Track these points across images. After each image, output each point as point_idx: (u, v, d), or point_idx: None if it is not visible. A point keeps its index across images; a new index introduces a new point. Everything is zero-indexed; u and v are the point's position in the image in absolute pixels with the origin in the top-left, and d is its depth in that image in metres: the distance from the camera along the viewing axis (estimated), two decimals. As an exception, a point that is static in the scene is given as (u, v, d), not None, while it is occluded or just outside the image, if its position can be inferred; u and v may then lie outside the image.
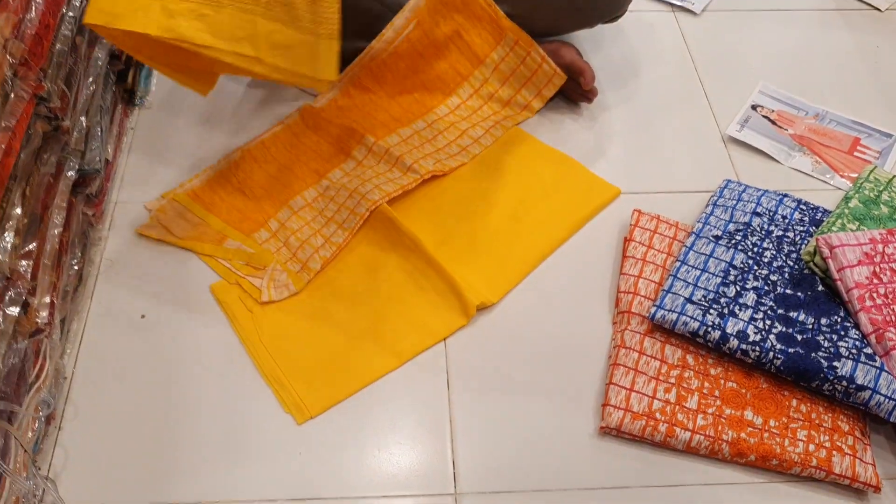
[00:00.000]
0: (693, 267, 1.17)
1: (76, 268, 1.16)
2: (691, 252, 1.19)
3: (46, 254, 1.05)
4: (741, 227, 1.22)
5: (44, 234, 1.06)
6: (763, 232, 1.21)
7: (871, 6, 1.70)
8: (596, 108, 1.47)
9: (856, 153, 1.40)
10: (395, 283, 1.21)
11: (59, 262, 1.09)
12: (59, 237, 1.08)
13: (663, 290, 1.14)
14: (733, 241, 1.20)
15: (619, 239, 1.28)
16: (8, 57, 0.98)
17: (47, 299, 1.03)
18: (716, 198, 1.29)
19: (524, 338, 1.17)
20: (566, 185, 1.35)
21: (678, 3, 1.69)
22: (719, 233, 1.21)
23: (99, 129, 1.27)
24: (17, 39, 1.00)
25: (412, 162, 1.33)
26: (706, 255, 1.18)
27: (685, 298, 1.12)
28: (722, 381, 1.08)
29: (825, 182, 1.36)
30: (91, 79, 1.24)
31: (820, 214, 1.25)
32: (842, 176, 1.36)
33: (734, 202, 1.27)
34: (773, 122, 1.44)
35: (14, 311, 0.94)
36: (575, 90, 1.45)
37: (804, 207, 1.26)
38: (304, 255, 1.22)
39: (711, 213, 1.25)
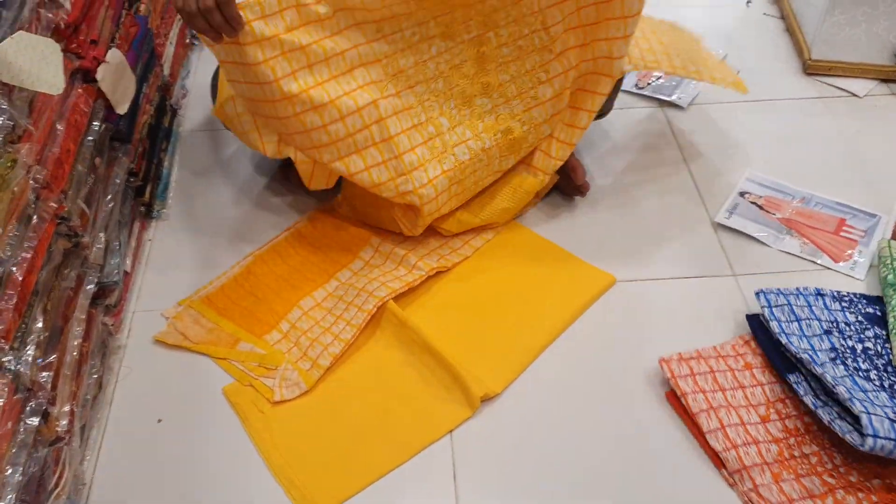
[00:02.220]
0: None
1: (96, 376, 1.21)
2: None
3: (66, 364, 1.10)
4: (829, 350, 1.23)
5: (64, 345, 1.12)
6: (846, 350, 1.23)
7: (851, 93, 1.78)
8: (589, 200, 1.54)
9: (842, 233, 1.45)
10: (401, 378, 1.26)
11: (80, 372, 1.15)
12: (78, 347, 1.14)
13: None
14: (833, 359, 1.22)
15: (616, 326, 1.32)
16: (31, 182, 1.06)
17: (67, 408, 1.08)
18: (778, 332, 1.25)
19: (529, 426, 1.20)
20: (563, 275, 1.40)
21: (666, 99, 1.77)
22: (820, 358, 1.21)
23: (117, 242, 1.34)
24: (39, 165, 1.09)
25: (417, 259, 1.40)
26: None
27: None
28: None
29: (814, 262, 1.40)
30: (109, 196, 1.32)
31: (864, 306, 1.29)
32: (830, 256, 1.41)
33: (797, 332, 1.26)
34: (761, 208, 1.50)
35: (34, 421, 0.99)
36: (568, 185, 1.52)
37: (845, 303, 1.30)
38: (314, 353, 1.27)
39: (788, 340, 1.24)
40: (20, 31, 1.01)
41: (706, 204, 1.53)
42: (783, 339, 1.23)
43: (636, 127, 1.71)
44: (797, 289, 1.31)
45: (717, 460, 1.14)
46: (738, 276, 1.39)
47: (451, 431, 1.19)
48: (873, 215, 1.48)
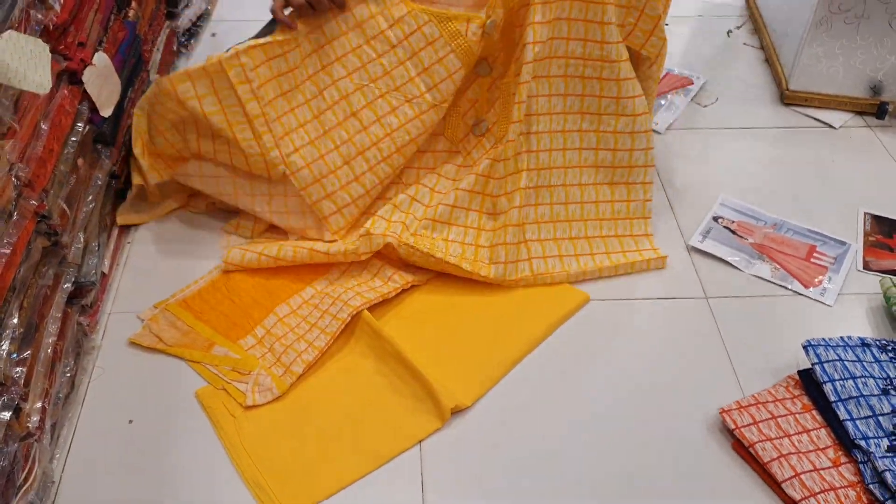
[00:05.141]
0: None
1: (69, 375, 1.21)
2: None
3: (40, 361, 1.11)
4: (891, 414, 1.21)
5: (39, 342, 1.12)
6: None
7: (826, 124, 1.81)
8: (566, 220, 1.55)
9: (812, 259, 1.47)
10: (372, 387, 1.27)
11: (53, 370, 1.15)
12: (53, 345, 1.14)
13: None
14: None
15: (587, 343, 1.34)
16: (14, 180, 1.07)
17: (39, 405, 1.08)
18: (835, 400, 1.21)
19: (498, 441, 1.21)
20: (537, 292, 1.42)
21: (645, 122, 1.80)
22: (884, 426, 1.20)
23: (96, 243, 1.35)
24: (22, 163, 1.09)
25: (393, 272, 1.41)
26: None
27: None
28: None
29: (784, 287, 1.43)
30: (91, 197, 1.33)
31: None
32: (800, 282, 1.43)
33: (854, 394, 1.23)
34: (734, 232, 1.53)
35: (6, 415, 0.99)
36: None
37: (891, 352, 1.27)
38: (287, 360, 1.28)
39: (848, 415, 1.20)
40: (10, 31, 1.02)
41: (681, 227, 1.55)
42: (841, 414, 1.19)
43: (615, 149, 1.74)
44: (842, 339, 1.28)
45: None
46: (710, 298, 1.41)
47: (420, 442, 1.20)
48: (843, 243, 1.51)
